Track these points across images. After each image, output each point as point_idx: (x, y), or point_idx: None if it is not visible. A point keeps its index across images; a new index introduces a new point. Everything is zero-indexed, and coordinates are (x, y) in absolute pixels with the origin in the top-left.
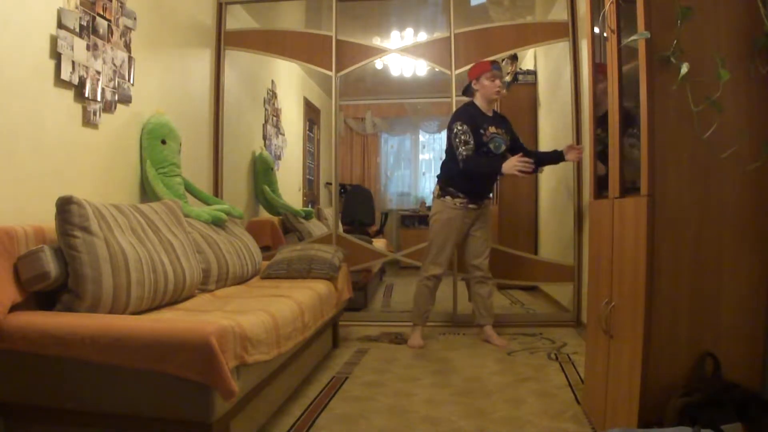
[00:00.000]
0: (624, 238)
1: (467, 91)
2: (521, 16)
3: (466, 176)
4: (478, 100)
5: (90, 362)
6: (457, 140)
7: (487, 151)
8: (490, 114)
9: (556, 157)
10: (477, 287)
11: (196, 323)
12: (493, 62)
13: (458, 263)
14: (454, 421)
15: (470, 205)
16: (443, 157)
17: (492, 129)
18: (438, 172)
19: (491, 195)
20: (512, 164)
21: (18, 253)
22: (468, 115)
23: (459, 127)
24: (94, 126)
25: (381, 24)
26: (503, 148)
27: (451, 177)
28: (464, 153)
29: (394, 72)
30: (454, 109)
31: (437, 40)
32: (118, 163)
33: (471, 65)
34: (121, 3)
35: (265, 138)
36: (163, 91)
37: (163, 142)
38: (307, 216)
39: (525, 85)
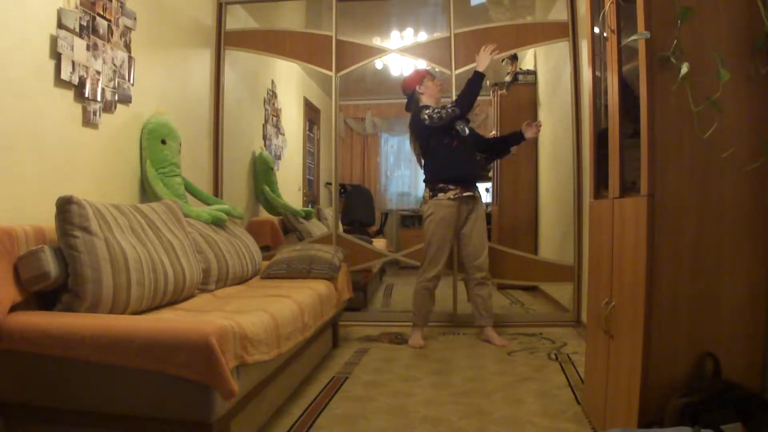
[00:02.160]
0: (624, 238)
1: (410, 103)
2: (521, 16)
3: (453, 162)
4: (427, 102)
5: (90, 362)
6: (436, 115)
7: (455, 134)
8: None
9: (517, 137)
10: (477, 289)
11: (196, 323)
12: (429, 69)
13: (458, 263)
14: (454, 421)
15: (465, 194)
16: (421, 163)
17: None
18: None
19: (481, 186)
20: (482, 57)
21: (18, 253)
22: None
23: (427, 111)
24: (94, 126)
25: (381, 24)
26: (467, 131)
27: (439, 172)
28: (449, 108)
29: (394, 72)
30: None
31: (437, 40)
32: (118, 163)
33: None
34: (121, 3)
35: (265, 138)
36: (163, 91)
37: (163, 142)
38: (307, 216)
39: (525, 85)
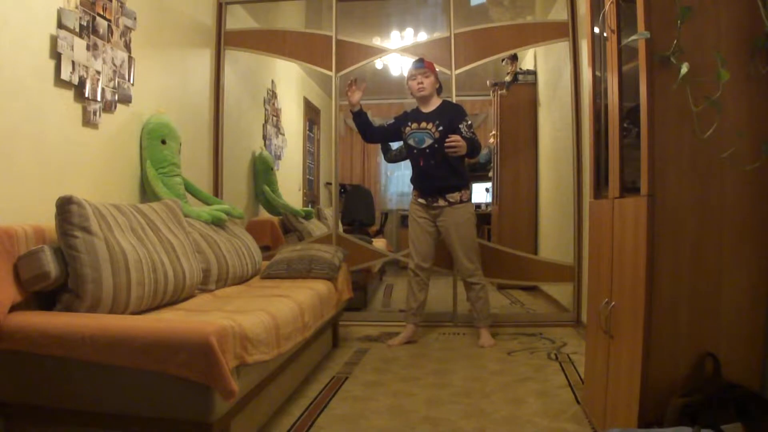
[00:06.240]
0: (624, 238)
1: None
2: (521, 16)
3: (413, 171)
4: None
5: (90, 362)
6: None
7: (409, 148)
8: (429, 110)
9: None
10: (466, 291)
11: (196, 323)
12: (415, 61)
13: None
14: (454, 421)
15: (419, 200)
16: None
17: (417, 125)
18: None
19: (459, 198)
20: (349, 96)
21: (18, 253)
22: (402, 114)
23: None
24: (94, 126)
25: (381, 24)
26: (427, 141)
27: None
28: None
29: (394, 72)
30: None
31: (437, 40)
32: (118, 163)
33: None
34: (121, 3)
35: (265, 138)
36: (163, 91)
37: (163, 142)
38: (307, 216)
39: (525, 85)
